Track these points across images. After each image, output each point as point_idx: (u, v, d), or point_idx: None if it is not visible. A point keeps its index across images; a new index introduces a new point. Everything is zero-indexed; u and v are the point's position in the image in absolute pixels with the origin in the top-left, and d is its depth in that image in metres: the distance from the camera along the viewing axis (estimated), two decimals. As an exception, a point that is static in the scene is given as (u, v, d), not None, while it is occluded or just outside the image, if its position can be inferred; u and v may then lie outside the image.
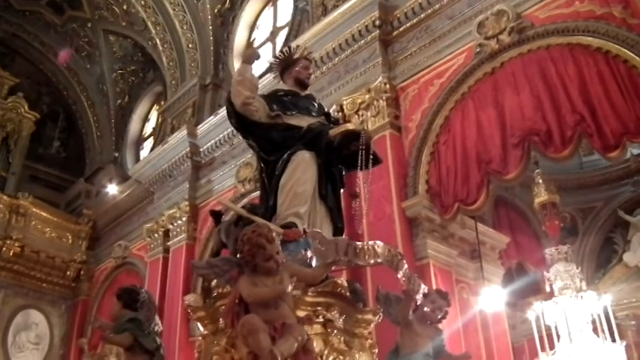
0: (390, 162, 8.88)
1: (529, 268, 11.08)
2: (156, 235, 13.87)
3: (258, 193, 10.65)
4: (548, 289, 9.67)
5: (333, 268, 4.02)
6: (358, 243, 3.93)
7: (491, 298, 9.21)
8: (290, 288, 3.56)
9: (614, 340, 8.83)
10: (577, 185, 12.18)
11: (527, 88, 8.19)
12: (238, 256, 3.66)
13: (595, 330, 8.99)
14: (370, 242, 3.99)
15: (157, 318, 5.60)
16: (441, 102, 9.00)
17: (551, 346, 9.01)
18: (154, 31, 15.61)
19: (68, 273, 16.82)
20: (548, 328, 9.17)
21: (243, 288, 3.46)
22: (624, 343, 8.94)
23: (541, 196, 10.34)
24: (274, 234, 3.59)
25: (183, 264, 12.68)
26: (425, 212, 8.73)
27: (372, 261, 3.95)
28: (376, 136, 8.90)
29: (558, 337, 9.13)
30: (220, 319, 4.24)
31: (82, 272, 16.91)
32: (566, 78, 7.90)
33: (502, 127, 8.29)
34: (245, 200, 11.65)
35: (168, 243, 13.43)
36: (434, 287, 8.21)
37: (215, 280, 4.50)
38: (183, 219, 13.13)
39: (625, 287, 11.32)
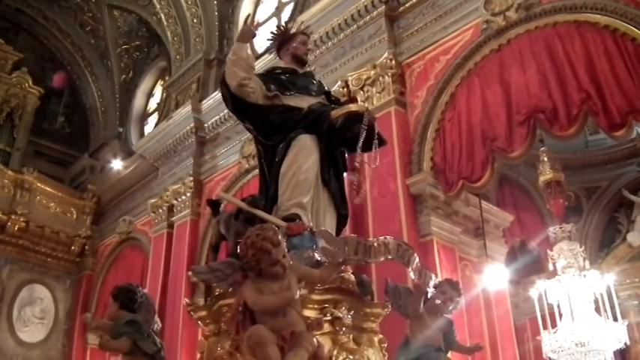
0: (395, 138, 8.85)
1: (532, 246, 11.07)
2: (160, 210, 13.89)
3: (258, 165, 10.71)
4: (551, 267, 9.66)
5: (342, 267, 3.89)
6: (369, 240, 3.76)
7: (494, 276, 9.23)
8: (298, 294, 3.38)
9: (616, 320, 8.84)
10: (582, 164, 12.13)
11: (533, 65, 8.15)
12: (239, 252, 3.43)
13: (597, 309, 8.99)
14: (381, 238, 3.79)
15: (156, 317, 5.35)
16: (447, 79, 8.96)
17: (553, 325, 9.03)
18: (158, 6, 15.51)
19: (73, 248, 16.87)
20: (550, 307, 9.18)
21: (248, 295, 3.28)
22: (626, 323, 8.95)
23: (546, 174, 10.31)
24: (280, 236, 3.35)
25: (188, 239, 12.73)
26: (429, 189, 8.72)
27: (383, 258, 3.77)
28: (381, 113, 8.89)
29: (560, 315, 9.14)
30: (223, 320, 4.11)
31: (86, 247, 16.96)
32: (572, 56, 7.86)
33: (508, 104, 8.26)
34: (250, 176, 11.68)
35: (173, 218, 13.46)
36: (437, 264, 8.33)
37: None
38: (188, 194, 13.15)
39: (628, 267, 11.31)
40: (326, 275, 3.68)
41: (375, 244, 3.73)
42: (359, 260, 3.73)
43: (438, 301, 4.55)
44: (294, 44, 5.22)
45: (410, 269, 4.01)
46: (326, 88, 5.45)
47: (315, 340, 3.30)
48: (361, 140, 4.53)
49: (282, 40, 5.29)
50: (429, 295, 4.56)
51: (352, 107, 4.86)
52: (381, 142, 4.77)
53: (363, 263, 4.06)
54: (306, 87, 5.04)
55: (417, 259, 4.05)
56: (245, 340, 3.20)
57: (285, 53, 5.28)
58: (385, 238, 3.83)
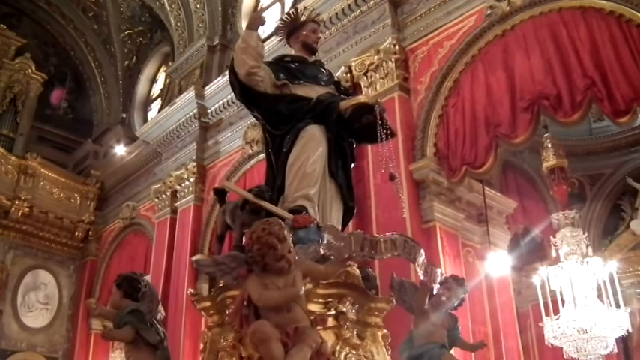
0: (398, 124, 8.82)
1: (535, 233, 11.07)
2: (163, 196, 13.91)
3: (265, 155, 10.71)
4: (554, 254, 9.66)
5: (347, 263, 3.86)
6: (375, 236, 3.75)
7: (497, 262, 9.23)
8: (302, 290, 3.37)
9: (618, 307, 8.84)
10: (586, 151, 12.11)
11: (537, 51, 8.11)
12: (244, 243, 3.40)
13: (600, 296, 8.99)
14: (387, 234, 3.80)
15: (159, 307, 5.21)
16: (451, 64, 8.92)
17: (556, 312, 9.04)
18: (161, -9, 15.49)
19: (76, 233, 16.94)
20: (553, 294, 9.19)
21: (252, 290, 3.27)
22: (628, 310, 8.96)
23: (549, 160, 10.28)
24: (286, 231, 3.35)
25: (191, 225, 12.74)
26: (432, 175, 8.70)
27: (390, 254, 3.74)
28: (384, 98, 8.85)
29: (563, 302, 9.15)
30: (227, 311, 4.08)
31: (90, 233, 17.03)
32: (577, 41, 7.82)
33: (512, 90, 8.22)
34: (253, 162, 11.68)
35: (176, 204, 13.47)
36: (440, 250, 8.33)
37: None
38: (191, 180, 13.15)
39: (632, 255, 11.31)
40: (331, 271, 3.67)
41: (382, 241, 3.70)
42: (365, 256, 3.72)
43: (443, 298, 4.53)
44: (304, 32, 5.17)
45: (416, 265, 3.97)
46: (335, 77, 5.40)
47: (318, 336, 3.29)
48: (379, 134, 4.51)
49: (291, 27, 5.22)
50: (435, 291, 4.53)
51: (362, 98, 4.84)
52: (391, 135, 4.72)
53: (369, 259, 4.03)
54: (315, 76, 5.00)
55: (424, 256, 3.99)
56: (248, 336, 3.20)
57: (294, 41, 5.22)
58: (392, 234, 3.81)
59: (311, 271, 3.56)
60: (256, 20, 4.97)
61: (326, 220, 4.52)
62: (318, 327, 3.59)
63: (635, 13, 7.40)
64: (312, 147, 4.58)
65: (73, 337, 16.21)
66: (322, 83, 4.99)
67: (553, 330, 8.89)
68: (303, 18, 5.23)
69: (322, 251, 3.75)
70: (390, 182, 5.03)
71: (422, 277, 4.15)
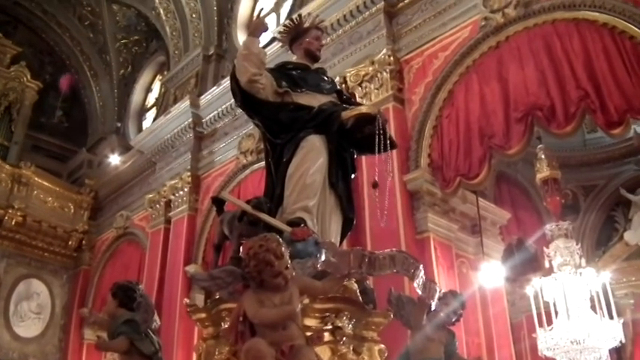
0: (393, 135, 8.76)
1: (529, 244, 11.07)
2: (157, 205, 13.89)
3: (259, 164, 10.72)
4: (547, 265, 9.67)
5: (345, 280, 3.80)
6: (374, 253, 3.63)
7: (490, 273, 9.23)
8: (299, 308, 3.32)
9: (612, 318, 8.84)
10: (580, 163, 12.14)
11: (531, 62, 8.15)
12: (241, 254, 3.33)
13: (593, 307, 9.00)
14: (387, 251, 3.68)
15: (155, 316, 5.20)
16: (445, 75, 8.95)
17: (549, 322, 9.04)
18: (157, 1, 15.45)
19: (70, 243, 16.87)
20: (546, 305, 9.19)
21: (248, 307, 3.22)
22: (622, 321, 8.96)
23: (543, 171, 10.30)
24: (283, 248, 3.28)
25: (185, 235, 12.71)
26: (426, 186, 8.72)
27: (389, 271, 3.62)
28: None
29: (556, 313, 9.15)
30: (222, 324, 4.05)
31: (83, 242, 16.95)
32: (571, 53, 7.86)
33: (506, 101, 8.26)
34: (247, 172, 11.68)
35: (170, 214, 13.44)
36: (434, 261, 8.33)
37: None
38: (185, 190, 13.14)
39: (625, 265, 11.31)
40: (328, 288, 3.60)
41: (381, 257, 3.61)
42: (363, 273, 3.65)
43: (441, 314, 4.51)
44: (308, 39, 5.09)
45: (415, 283, 3.89)
46: (338, 86, 5.32)
47: (314, 354, 3.26)
48: (381, 145, 4.43)
49: (295, 33, 5.14)
50: (433, 307, 4.50)
51: (363, 109, 4.76)
52: (393, 146, 4.68)
53: (367, 276, 4.00)
54: (317, 84, 4.93)
55: (423, 272, 3.91)
56: (243, 353, 3.15)
57: (297, 47, 5.14)
58: (392, 250, 3.74)
59: (308, 288, 3.52)
60: (259, 26, 4.91)
61: (325, 232, 4.48)
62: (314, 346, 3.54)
63: (629, 25, 7.45)
64: (312, 157, 4.53)
65: (66, 347, 16.10)
66: (325, 92, 4.92)
67: (546, 341, 8.89)
68: (306, 24, 5.15)
69: (319, 265, 3.68)
70: (373, 189, 4.96)
71: (420, 293, 4.09)
